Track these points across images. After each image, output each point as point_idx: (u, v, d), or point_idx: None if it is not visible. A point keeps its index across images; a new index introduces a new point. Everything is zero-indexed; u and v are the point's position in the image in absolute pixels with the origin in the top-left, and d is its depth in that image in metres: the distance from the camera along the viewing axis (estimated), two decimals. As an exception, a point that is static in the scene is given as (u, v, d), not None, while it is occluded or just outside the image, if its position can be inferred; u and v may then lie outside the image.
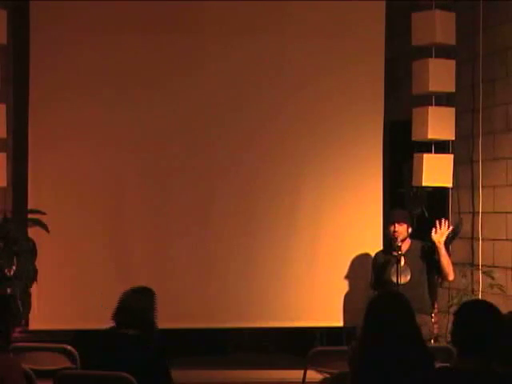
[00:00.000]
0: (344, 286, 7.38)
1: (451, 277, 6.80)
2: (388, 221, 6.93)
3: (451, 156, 7.37)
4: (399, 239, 6.73)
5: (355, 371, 3.81)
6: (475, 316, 3.35)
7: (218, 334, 7.73)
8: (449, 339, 6.81)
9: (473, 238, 7.37)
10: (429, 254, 6.80)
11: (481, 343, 3.27)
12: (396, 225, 6.79)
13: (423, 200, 7.56)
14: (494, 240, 7.14)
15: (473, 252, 7.36)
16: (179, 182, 7.37)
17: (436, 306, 7.02)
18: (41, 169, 7.25)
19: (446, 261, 6.70)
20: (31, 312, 7.09)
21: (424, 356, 3.76)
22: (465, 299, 6.89)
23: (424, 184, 7.25)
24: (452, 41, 7.32)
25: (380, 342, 3.71)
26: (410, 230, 6.86)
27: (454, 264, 7.46)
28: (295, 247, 7.35)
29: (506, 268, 6.97)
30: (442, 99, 7.41)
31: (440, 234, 6.70)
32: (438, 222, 6.73)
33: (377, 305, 3.89)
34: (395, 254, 6.68)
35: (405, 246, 6.80)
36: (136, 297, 4.83)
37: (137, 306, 4.78)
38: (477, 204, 7.32)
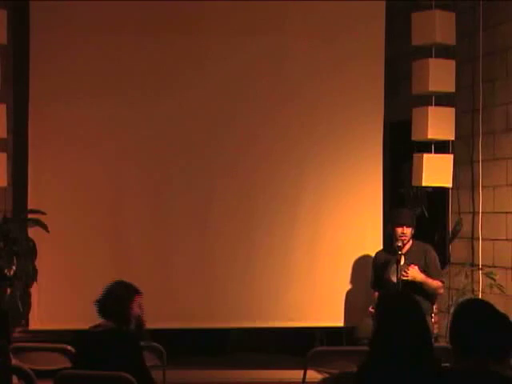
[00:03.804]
0: (344, 286, 7.38)
1: (440, 291, 6.84)
2: (394, 222, 6.89)
3: (451, 156, 7.36)
4: (405, 242, 6.75)
5: (363, 370, 3.77)
6: (472, 315, 3.35)
7: (218, 334, 7.72)
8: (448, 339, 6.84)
9: (473, 238, 7.37)
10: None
11: (478, 343, 3.27)
12: (405, 228, 6.79)
13: (423, 200, 7.56)
14: (494, 240, 7.14)
15: (473, 252, 7.36)
16: (179, 182, 7.37)
17: (436, 306, 7.02)
18: (41, 169, 7.25)
19: (427, 286, 6.71)
20: (31, 312, 7.10)
21: (432, 357, 3.74)
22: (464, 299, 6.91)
23: (424, 184, 7.25)
24: (452, 41, 7.31)
25: (393, 342, 3.68)
26: (413, 231, 6.87)
27: (453, 264, 7.48)
28: (295, 247, 7.36)
29: (506, 268, 6.97)
30: (442, 99, 7.41)
31: (412, 276, 6.69)
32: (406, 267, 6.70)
33: (391, 305, 3.86)
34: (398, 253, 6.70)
35: (406, 247, 6.80)
36: (114, 287, 4.84)
37: (113, 294, 4.78)
38: (477, 204, 7.32)
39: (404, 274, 6.61)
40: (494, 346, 3.28)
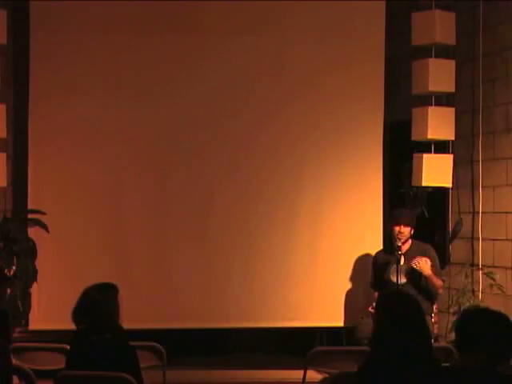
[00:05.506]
0: (344, 286, 7.38)
1: (439, 290, 6.83)
2: (392, 221, 6.89)
3: (451, 156, 7.37)
4: (402, 240, 6.74)
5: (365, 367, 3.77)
6: (476, 317, 3.36)
7: (218, 334, 7.72)
8: (449, 339, 6.85)
9: (473, 238, 7.37)
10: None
11: (479, 343, 3.27)
12: (402, 226, 6.79)
13: (423, 200, 7.57)
14: (494, 240, 7.14)
15: (473, 252, 7.36)
16: (179, 183, 7.37)
17: (436, 306, 7.02)
18: (41, 169, 7.25)
19: (431, 283, 6.70)
20: (31, 312, 7.09)
21: (432, 357, 3.75)
22: (464, 299, 6.92)
23: (424, 184, 7.26)
24: (452, 41, 7.32)
25: (393, 342, 3.68)
26: (412, 231, 6.86)
27: (453, 264, 7.48)
28: (295, 247, 7.36)
29: (506, 268, 6.97)
30: (442, 99, 7.41)
31: (421, 268, 6.68)
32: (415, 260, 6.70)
33: (391, 304, 3.87)
34: (397, 253, 6.70)
35: (405, 247, 6.81)
36: (102, 297, 4.62)
37: (105, 308, 4.57)
38: (477, 204, 7.32)
39: (416, 262, 6.60)
40: (494, 346, 3.28)
